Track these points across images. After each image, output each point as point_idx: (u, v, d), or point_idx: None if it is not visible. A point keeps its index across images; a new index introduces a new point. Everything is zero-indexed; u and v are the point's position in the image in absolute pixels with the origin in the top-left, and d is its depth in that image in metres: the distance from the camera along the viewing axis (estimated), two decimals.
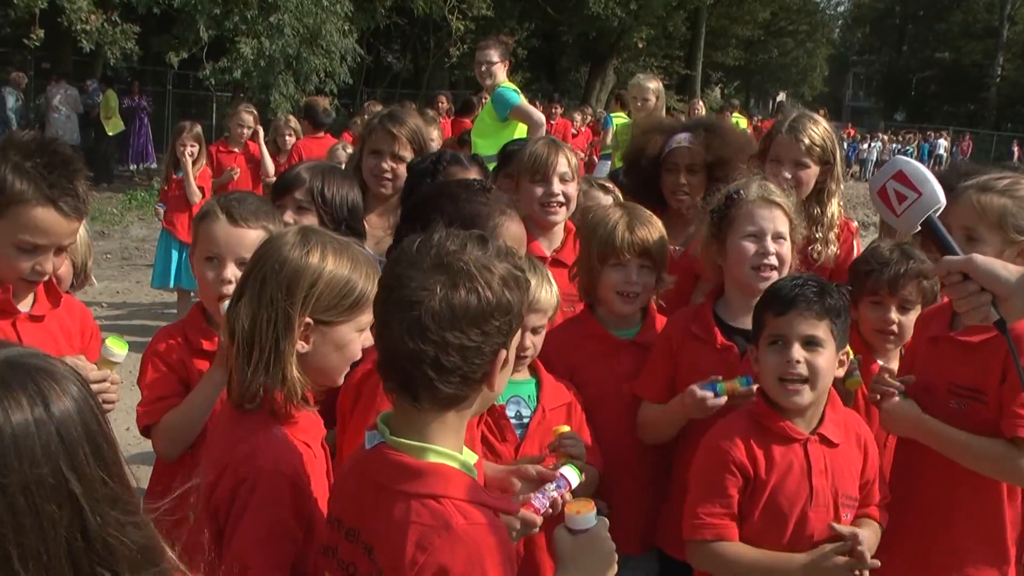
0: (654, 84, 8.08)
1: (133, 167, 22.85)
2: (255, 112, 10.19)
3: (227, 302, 2.92)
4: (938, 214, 2.64)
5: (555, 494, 2.59)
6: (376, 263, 2.48)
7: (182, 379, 3.07)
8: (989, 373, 3.05)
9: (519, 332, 2.09)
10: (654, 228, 3.56)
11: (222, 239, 3.04)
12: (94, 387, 2.84)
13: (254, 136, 9.86)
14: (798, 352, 2.91)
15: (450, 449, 2.05)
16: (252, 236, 3.02)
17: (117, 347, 2.91)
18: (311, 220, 3.58)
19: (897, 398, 3.18)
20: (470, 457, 2.13)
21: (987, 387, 3.07)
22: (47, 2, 17.29)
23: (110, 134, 21.26)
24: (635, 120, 7.91)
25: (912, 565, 3.23)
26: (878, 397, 3.22)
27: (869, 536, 2.97)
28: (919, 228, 2.65)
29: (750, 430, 2.99)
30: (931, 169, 2.87)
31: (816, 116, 4.28)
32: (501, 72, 7.54)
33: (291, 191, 3.64)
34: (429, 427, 2.03)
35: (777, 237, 3.36)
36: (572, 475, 2.63)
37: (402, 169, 4.26)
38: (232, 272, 3.01)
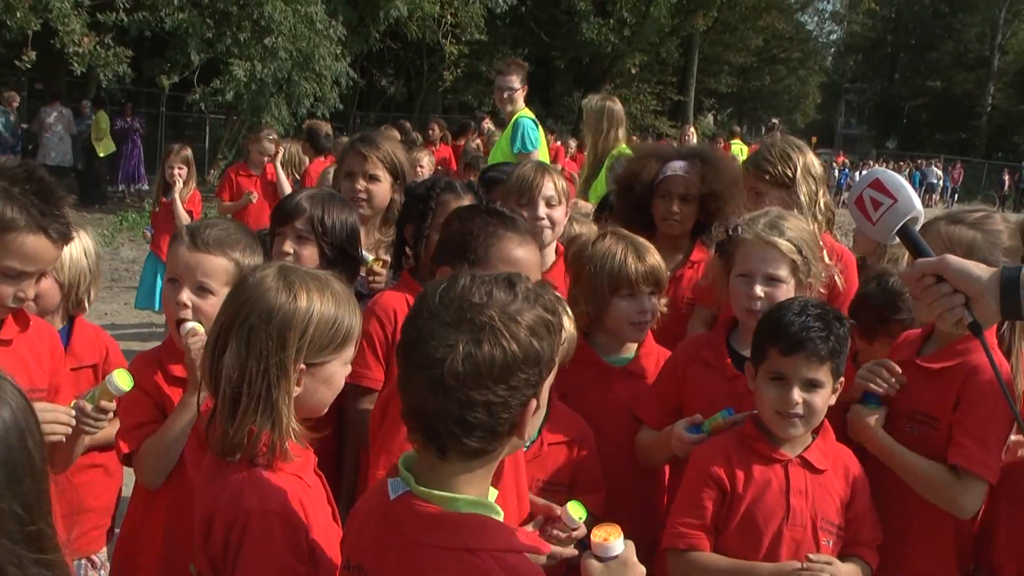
0: (597, 104, 7.36)
1: (122, 187, 22.80)
2: (277, 138, 10.12)
3: (185, 325, 2.96)
4: (917, 226, 2.62)
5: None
6: (352, 293, 2.45)
7: (158, 404, 3.04)
8: (945, 400, 3.06)
9: (551, 376, 2.02)
10: (655, 255, 3.60)
11: (182, 262, 3.04)
12: (94, 422, 2.90)
13: (272, 159, 9.80)
14: (798, 394, 2.93)
15: (479, 496, 1.98)
16: (213, 263, 3.03)
17: (123, 382, 2.84)
18: (311, 250, 3.60)
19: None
20: (493, 494, 2.08)
21: (941, 414, 3.07)
22: (40, 24, 17.29)
23: (101, 155, 21.23)
24: (591, 142, 7.35)
25: None
26: (870, 384, 3.16)
27: (851, 570, 2.97)
28: (895, 239, 2.63)
29: (733, 448, 3.04)
30: (926, 198, 2.83)
31: (779, 139, 4.30)
32: (521, 97, 7.55)
33: (292, 220, 3.62)
34: (457, 477, 1.96)
35: (770, 279, 3.31)
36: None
37: (376, 189, 4.25)
38: (188, 296, 2.99)
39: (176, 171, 8.99)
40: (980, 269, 2.43)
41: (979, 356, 2.98)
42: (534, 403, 1.94)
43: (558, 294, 2.06)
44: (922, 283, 2.48)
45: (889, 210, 2.58)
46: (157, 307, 9.32)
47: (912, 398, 3.14)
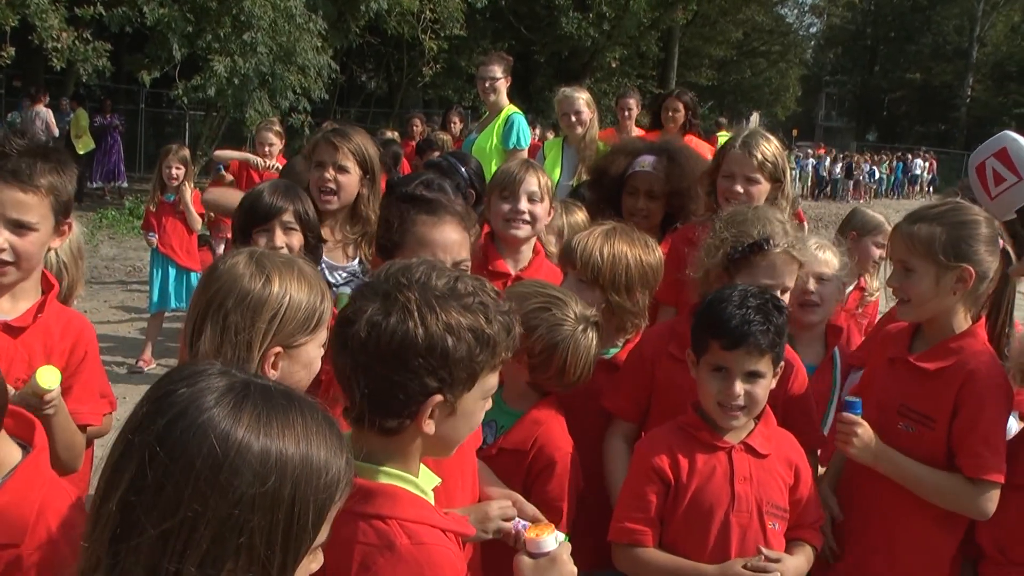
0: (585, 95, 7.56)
1: (100, 183, 22.70)
2: (278, 128, 10.18)
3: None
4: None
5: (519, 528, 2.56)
6: (321, 276, 2.51)
7: None
8: (942, 402, 3.08)
9: (482, 385, 2.05)
10: (608, 246, 3.61)
11: None
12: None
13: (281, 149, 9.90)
14: (740, 387, 2.96)
15: (402, 471, 2.04)
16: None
17: (44, 382, 2.62)
18: (298, 239, 3.69)
19: (859, 433, 3.12)
20: (429, 481, 2.12)
21: (938, 415, 3.09)
22: (18, 20, 17.20)
23: (80, 153, 21.11)
24: (569, 137, 7.56)
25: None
26: (849, 439, 3.13)
27: (800, 563, 3.01)
28: (1014, 215, 2.46)
29: (676, 438, 3.06)
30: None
31: (768, 134, 4.33)
32: (504, 88, 7.66)
33: (277, 216, 3.67)
34: (378, 450, 2.03)
35: (784, 290, 3.40)
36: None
37: (345, 180, 4.21)
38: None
39: (174, 170, 9.12)
40: None
41: (974, 356, 3.04)
42: (437, 399, 1.97)
43: (515, 315, 2.10)
44: None
45: (1012, 188, 2.43)
46: (172, 305, 9.49)
47: (904, 394, 3.17)
